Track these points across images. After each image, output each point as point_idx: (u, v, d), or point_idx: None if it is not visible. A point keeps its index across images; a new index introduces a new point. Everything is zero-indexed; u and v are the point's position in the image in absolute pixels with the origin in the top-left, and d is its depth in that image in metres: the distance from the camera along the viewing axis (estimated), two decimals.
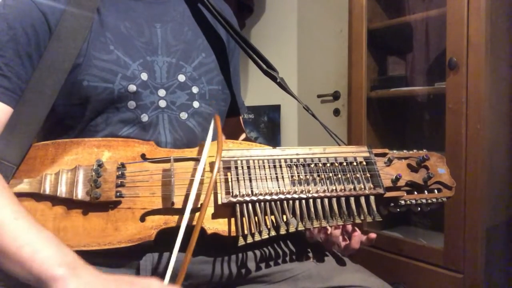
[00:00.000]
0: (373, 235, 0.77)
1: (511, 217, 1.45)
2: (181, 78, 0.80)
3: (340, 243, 0.78)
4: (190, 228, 0.64)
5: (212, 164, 0.69)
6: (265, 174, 0.72)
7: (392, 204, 0.78)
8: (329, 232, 0.77)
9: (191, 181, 0.68)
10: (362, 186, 0.74)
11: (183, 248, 0.62)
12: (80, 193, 0.66)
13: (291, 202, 0.71)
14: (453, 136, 1.34)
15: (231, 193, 0.69)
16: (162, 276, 0.71)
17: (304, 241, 0.79)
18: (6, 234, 0.57)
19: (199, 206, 0.67)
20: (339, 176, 0.74)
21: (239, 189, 0.70)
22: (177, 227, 0.65)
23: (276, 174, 0.73)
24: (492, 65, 1.30)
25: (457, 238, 1.33)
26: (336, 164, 0.76)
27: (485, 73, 1.28)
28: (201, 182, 0.68)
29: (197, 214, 0.66)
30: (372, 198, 0.74)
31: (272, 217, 0.70)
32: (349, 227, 0.79)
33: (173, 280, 0.62)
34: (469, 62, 1.30)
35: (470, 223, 1.31)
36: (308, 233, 0.77)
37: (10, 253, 0.56)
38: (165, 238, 0.66)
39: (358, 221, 0.72)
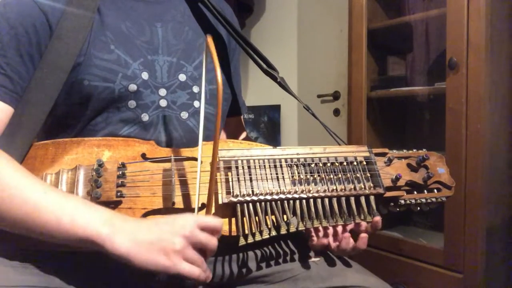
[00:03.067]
0: (377, 218, 0.73)
1: (511, 217, 1.45)
2: (182, 77, 0.80)
3: (349, 249, 0.75)
4: None
5: (212, 163, 0.69)
6: (266, 174, 0.72)
7: (392, 204, 0.78)
8: (340, 237, 0.75)
9: (192, 181, 0.68)
10: (362, 186, 0.74)
11: None
12: (80, 193, 0.66)
13: (291, 202, 0.71)
14: (453, 136, 1.34)
15: (231, 193, 0.69)
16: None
17: (304, 241, 0.79)
18: (42, 210, 0.60)
19: (200, 206, 0.67)
20: (339, 175, 0.74)
21: (239, 189, 0.70)
22: None
23: (276, 174, 0.73)
24: (492, 65, 1.31)
25: (457, 238, 1.33)
26: (337, 164, 0.76)
27: (485, 73, 1.28)
28: (202, 182, 0.68)
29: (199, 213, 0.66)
30: (372, 197, 0.74)
31: (273, 217, 0.70)
32: (353, 226, 0.77)
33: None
34: (469, 62, 1.30)
35: (470, 223, 1.31)
36: (311, 244, 0.76)
37: (52, 225, 0.59)
38: None
39: (358, 220, 0.72)
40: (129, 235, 0.59)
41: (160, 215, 0.68)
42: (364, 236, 0.75)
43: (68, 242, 0.60)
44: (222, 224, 0.64)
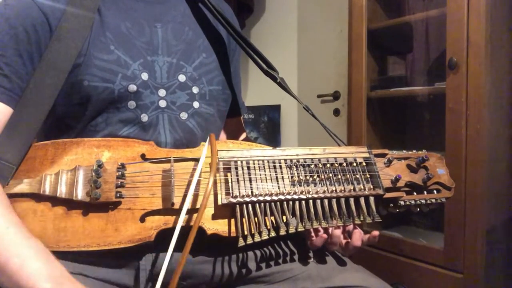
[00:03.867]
0: (376, 233, 0.76)
1: (511, 217, 1.45)
2: (182, 78, 0.80)
3: (341, 243, 0.78)
4: (188, 229, 0.64)
5: (211, 165, 0.69)
6: (265, 174, 0.72)
7: (391, 205, 0.78)
8: (330, 232, 0.77)
9: (191, 182, 0.68)
10: (362, 187, 0.74)
11: (180, 249, 0.62)
12: (80, 194, 0.66)
13: (291, 202, 0.71)
14: (453, 136, 1.34)
15: (231, 194, 0.69)
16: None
17: (304, 241, 0.79)
18: None
19: (197, 207, 0.67)
20: (339, 176, 0.74)
21: (239, 189, 0.70)
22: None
23: (276, 174, 0.73)
24: (492, 65, 1.30)
25: (457, 238, 1.33)
26: (336, 165, 0.76)
27: (485, 73, 1.28)
28: (200, 183, 0.68)
29: (195, 215, 0.66)
30: (371, 198, 0.74)
31: (272, 217, 0.70)
32: (350, 226, 0.79)
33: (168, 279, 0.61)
34: (469, 62, 1.30)
35: (470, 223, 1.31)
36: (309, 242, 0.77)
37: None
38: (165, 238, 0.66)
39: (357, 222, 0.72)
40: None
41: (159, 216, 0.68)
42: (357, 231, 0.76)
43: (7, 286, 0.55)
44: None
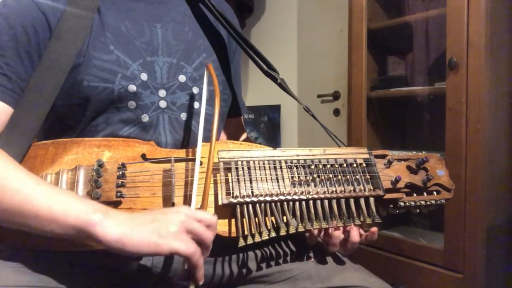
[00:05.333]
0: (374, 229, 0.75)
1: (511, 217, 1.45)
2: (182, 78, 0.80)
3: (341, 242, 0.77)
4: None
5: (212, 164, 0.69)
6: (266, 175, 0.72)
7: (391, 206, 0.78)
8: (330, 232, 0.77)
9: (191, 182, 0.68)
10: (362, 188, 0.74)
11: None
12: (80, 193, 0.66)
13: (291, 203, 0.71)
14: (453, 136, 1.34)
15: (231, 194, 0.69)
16: (163, 276, 0.71)
17: (304, 241, 0.79)
18: (35, 199, 0.59)
19: (198, 207, 0.67)
20: (339, 177, 0.74)
21: (239, 190, 0.70)
22: None
23: (276, 175, 0.73)
24: (492, 65, 1.31)
25: (457, 238, 1.34)
26: (336, 166, 0.76)
27: (485, 73, 1.28)
28: (202, 183, 0.68)
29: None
30: (371, 199, 0.74)
31: (272, 218, 0.70)
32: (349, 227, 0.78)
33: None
34: (469, 62, 1.30)
35: (470, 223, 1.31)
36: (308, 235, 0.77)
37: (43, 213, 0.58)
38: None
39: (357, 222, 0.73)
40: (121, 221, 0.57)
41: None
42: (354, 228, 0.75)
43: (59, 233, 0.58)
44: (216, 220, 0.62)
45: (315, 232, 0.77)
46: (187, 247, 0.56)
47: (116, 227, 0.56)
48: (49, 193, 0.60)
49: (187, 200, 0.68)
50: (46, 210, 0.58)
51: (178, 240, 0.56)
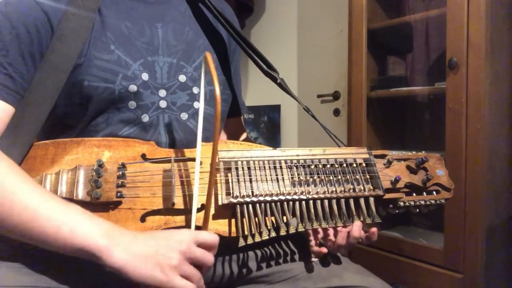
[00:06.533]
0: (374, 229, 0.75)
1: (511, 217, 1.45)
2: (182, 78, 0.80)
3: (345, 244, 0.76)
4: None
5: (212, 164, 0.69)
6: (266, 175, 0.72)
7: (391, 206, 0.78)
8: (332, 239, 0.76)
9: (192, 182, 0.68)
10: (362, 188, 0.74)
11: None
12: (80, 193, 0.66)
13: (291, 203, 0.71)
14: (453, 136, 1.34)
15: (231, 194, 0.69)
16: None
17: (304, 241, 0.79)
18: (42, 218, 0.60)
19: (199, 207, 0.67)
20: (339, 177, 0.74)
21: (239, 190, 0.70)
22: (178, 228, 0.66)
23: (276, 175, 0.73)
24: (492, 65, 1.31)
25: (457, 238, 1.34)
26: (336, 166, 0.76)
27: (485, 73, 1.28)
28: (202, 183, 0.68)
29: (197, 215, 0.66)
30: (371, 199, 0.74)
31: (272, 218, 0.70)
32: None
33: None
34: (469, 62, 1.30)
35: (470, 223, 1.31)
36: (313, 250, 0.77)
37: (50, 234, 0.59)
38: None
39: (357, 222, 0.73)
40: (126, 248, 0.59)
41: (160, 215, 0.68)
42: (356, 223, 0.75)
43: (65, 251, 0.60)
44: (218, 240, 0.64)
45: (317, 249, 0.76)
46: (186, 286, 0.59)
47: (121, 255, 0.58)
48: (57, 210, 0.61)
49: (187, 200, 0.68)
50: (53, 230, 0.59)
51: (179, 278, 0.59)
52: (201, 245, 0.62)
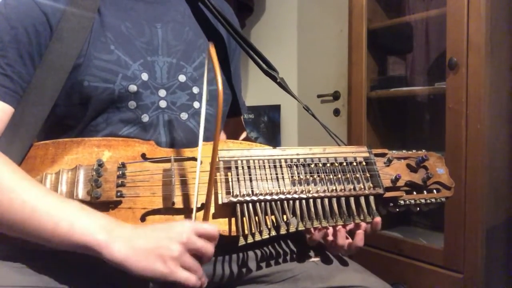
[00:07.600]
0: (378, 219, 0.73)
1: (511, 217, 1.45)
2: (182, 78, 0.80)
3: (344, 245, 0.76)
4: None
5: (212, 163, 0.69)
6: (266, 174, 0.72)
7: (391, 204, 0.78)
8: (331, 239, 0.76)
9: (192, 181, 0.68)
10: (362, 186, 0.74)
11: None
12: (80, 193, 0.66)
13: (291, 202, 0.71)
14: (453, 136, 1.34)
15: (231, 193, 0.69)
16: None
17: (304, 241, 0.79)
18: (41, 214, 0.60)
19: (199, 206, 0.67)
20: (339, 176, 0.74)
21: (239, 189, 0.70)
22: None
23: (276, 174, 0.73)
24: (492, 65, 1.31)
25: (457, 238, 1.34)
26: (336, 164, 0.76)
27: (485, 73, 1.28)
28: (202, 182, 0.68)
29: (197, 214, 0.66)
30: (371, 198, 0.74)
31: (273, 217, 0.70)
32: (352, 226, 0.78)
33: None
34: (469, 62, 1.30)
35: (470, 223, 1.31)
36: (309, 236, 0.77)
37: (49, 229, 0.59)
38: None
39: (357, 221, 0.72)
40: (126, 242, 0.59)
41: (160, 215, 0.68)
42: (360, 232, 0.75)
43: (64, 247, 0.60)
44: (218, 231, 0.64)
45: (316, 235, 0.76)
46: (188, 278, 0.60)
47: (121, 249, 0.58)
48: (55, 206, 0.61)
49: (187, 200, 0.68)
50: (51, 226, 0.59)
51: (180, 269, 0.60)
52: (201, 236, 0.62)
